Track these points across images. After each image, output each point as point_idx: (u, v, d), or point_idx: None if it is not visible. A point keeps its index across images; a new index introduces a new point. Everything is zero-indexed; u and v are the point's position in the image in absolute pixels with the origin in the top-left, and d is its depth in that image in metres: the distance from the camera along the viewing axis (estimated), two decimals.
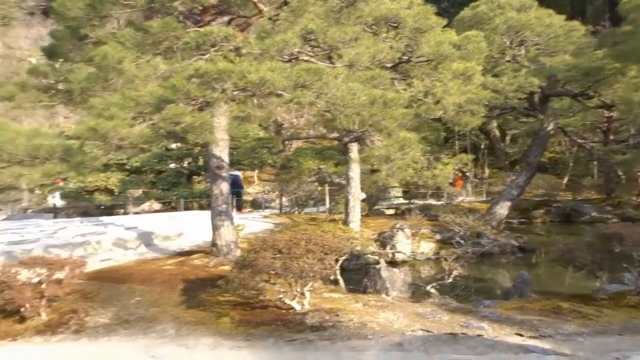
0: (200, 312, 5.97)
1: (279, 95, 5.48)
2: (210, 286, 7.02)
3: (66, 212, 19.34)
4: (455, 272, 7.25)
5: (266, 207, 21.33)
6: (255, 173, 28.13)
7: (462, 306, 6.87)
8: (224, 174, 8.92)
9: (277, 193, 26.37)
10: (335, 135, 13.46)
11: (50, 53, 7.95)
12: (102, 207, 18.79)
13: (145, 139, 5.37)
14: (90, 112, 5.76)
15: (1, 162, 6.01)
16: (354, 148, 12.88)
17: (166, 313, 6.00)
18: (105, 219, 14.44)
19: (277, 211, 19.34)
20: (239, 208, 18.70)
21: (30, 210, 23.39)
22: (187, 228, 12.81)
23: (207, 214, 16.46)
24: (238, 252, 8.99)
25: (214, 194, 8.90)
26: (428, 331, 5.35)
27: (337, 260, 6.44)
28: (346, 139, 12.36)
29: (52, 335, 5.31)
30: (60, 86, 7.41)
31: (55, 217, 16.30)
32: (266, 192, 27.73)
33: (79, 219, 14.77)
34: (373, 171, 18.33)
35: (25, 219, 16.08)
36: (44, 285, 5.35)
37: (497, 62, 14.19)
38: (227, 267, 8.21)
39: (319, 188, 18.91)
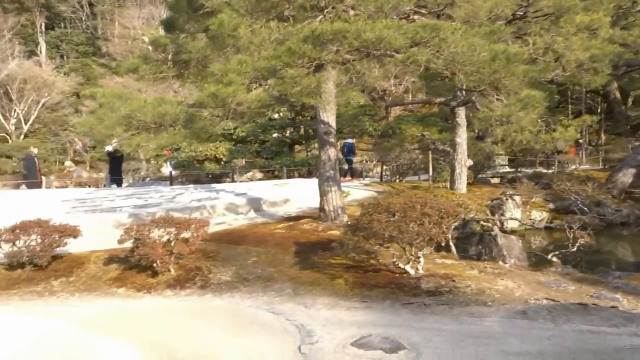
0: (315, 274, 6.10)
1: (392, 56, 5.31)
2: (321, 249, 7.15)
3: (180, 180, 20.74)
4: (580, 241, 6.73)
5: (365, 176, 21.30)
6: (354, 142, 28.21)
7: (588, 276, 6.39)
8: (332, 140, 8.95)
9: (375, 162, 26.27)
10: (440, 99, 12.98)
11: (168, 25, 8.38)
12: (211, 175, 19.88)
13: (262, 103, 5.48)
14: (209, 79, 5.98)
15: (131, 130, 6.44)
16: (461, 113, 12.35)
17: (282, 273, 6.20)
18: (215, 186, 15.25)
19: (376, 180, 19.25)
20: (351, 175, 18.87)
21: (147, 179, 25.39)
22: (293, 195, 13.14)
23: (309, 181, 16.84)
24: (345, 218, 9.07)
25: (322, 159, 8.98)
26: (554, 300, 5.03)
27: (451, 226, 6.23)
28: (453, 103, 11.87)
29: (181, 289, 5.70)
30: (178, 57, 7.79)
31: (171, 184, 17.51)
32: (365, 161, 27.72)
33: (192, 186, 15.73)
34: (478, 138, 17.55)
35: (145, 186, 17.44)
36: (172, 243, 5.75)
37: (627, 12, 12.74)
38: (335, 232, 8.32)
39: (420, 156, 18.49)
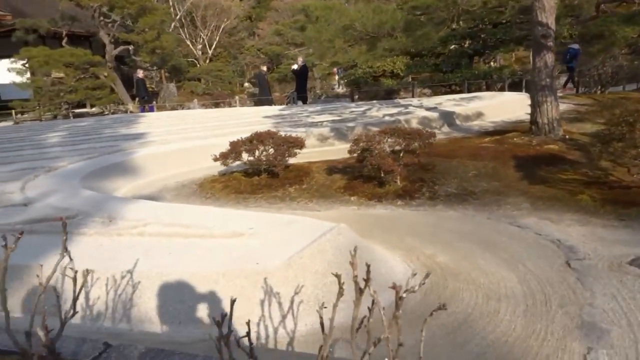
0: (548, 189, 5.69)
1: None
2: (543, 164, 6.64)
3: (357, 96, 20.97)
4: None
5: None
6: (579, 48, 25.39)
7: None
8: (550, 44, 8.00)
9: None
10: None
11: None
12: (389, 91, 19.70)
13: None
14: None
15: (350, 41, 6.40)
16: None
17: (510, 187, 5.91)
18: (400, 101, 15.07)
19: (571, 92, 17.28)
20: (573, 84, 17.19)
21: (322, 97, 26.18)
22: (484, 108, 12.43)
23: (496, 94, 15.73)
24: (560, 132, 8.28)
25: (537, 66, 8.14)
26: None
27: None
28: None
29: (411, 199, 5.76)
30: None
31: (352, 101, 17.78)
32: None
33: (375, 102, 15.75)
34: None
35: (329, 103, 17.96)
36: (401, 154, 5.77)
37: None
38: (553, 146, 7.66)
39: (624, 63, 16.02)
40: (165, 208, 4.88)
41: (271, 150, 6.65)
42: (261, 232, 3.87)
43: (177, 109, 20.78)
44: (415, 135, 5.72)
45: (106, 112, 21.04)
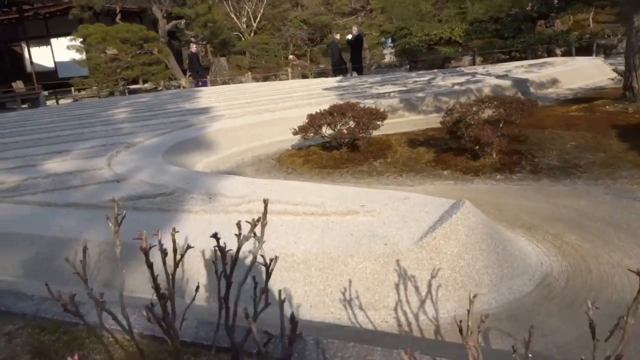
0: None
1: None
2: None
3: (409, 66, 20.31)
4: None
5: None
6: None
7: None
8: None
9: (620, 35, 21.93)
10: None
11: None
12: (448, 58, 18.94)
13: None
14: None
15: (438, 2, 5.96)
16: None
17: (619, 159, 5.45)
18: (463, 69, 14.44)
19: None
20: None
21: (373, 67, 25.54)
22: (558, 75, 11.74)
23: (566, 59, 14.83)
24: None
25: (634, 26, 7.48)
26: None
27: None
28: None
29: (511, 173, 5.40)
30: None
31: (410, 70, 17.20)
32: (607, 35, 23.45)
33: (437, 71, 15.15)
34: None
35: (384, 73, 17.43)
36: (501, 125, 5.39)
37: None
38: None
39: None
40: (262, 184, 4.72)
41: (351, 123, 6.38)
42: (376, 210, 3.64)
43: (228, 83, 20.73)
44: (517, 104, 5.32)
45: (160, 88, 21.22)
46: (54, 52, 25.93)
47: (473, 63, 17.06)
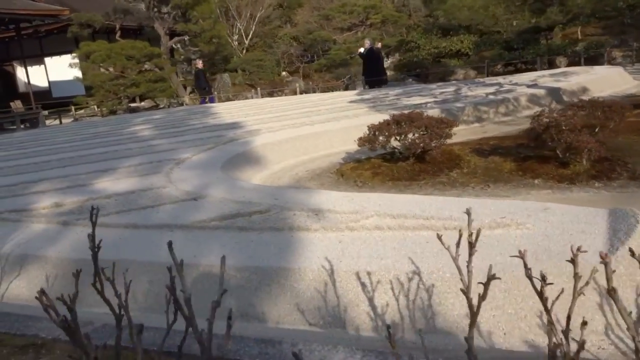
0: None
1: None
2: None
3: (411, 79, 20.21)
4: None
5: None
6: None
7: None
8: None
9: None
10: None
11: None
12: (445, 73, 18.82)
13: None
14: None
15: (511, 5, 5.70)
16: None
17: None
18: (485, 80, 14.30)
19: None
20: None
21: None
22: (588, 83, 11.65)
23: (587, 68, 14.79)
24: None
25: None
26: None
27: None
28: None
29: (609, 180, 5.11)
30: None
31: (425, 82, 17.02)
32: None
33: (454, 82, 14.98)
34: None
35: (400, 87, 17.20)
36: (597, 129, 5.12)
37: None
38: None
39: None
40: (365, 198, 4.33)
41: (421, 132, 6.06)
42: (523, 222, 3.29)
43: (232, 100, 20.35)
44: (616, 108, 5.05)
45: (162, 106, 20.73)
46: (48, 72, 25.32)
47: (487, 74, 16.98)
